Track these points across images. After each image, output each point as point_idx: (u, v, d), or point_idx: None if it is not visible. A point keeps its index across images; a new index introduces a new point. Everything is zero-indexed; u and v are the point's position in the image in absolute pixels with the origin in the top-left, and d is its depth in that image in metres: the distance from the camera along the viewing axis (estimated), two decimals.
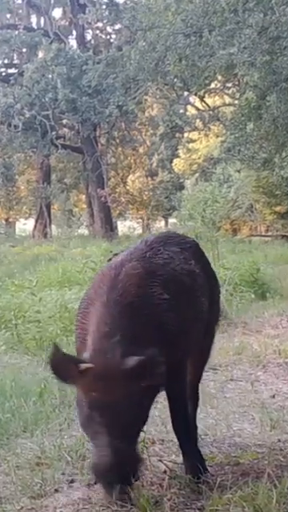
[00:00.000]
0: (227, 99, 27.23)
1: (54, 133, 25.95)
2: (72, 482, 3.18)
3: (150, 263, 3.05)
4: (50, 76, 24.58)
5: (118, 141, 29.29)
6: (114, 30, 28.01)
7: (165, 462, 3.27)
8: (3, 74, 28.23)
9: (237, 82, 22.76)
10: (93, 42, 28.46)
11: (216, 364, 5.34)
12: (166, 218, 34.31)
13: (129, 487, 2.73)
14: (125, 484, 2.70)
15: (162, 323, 2.91)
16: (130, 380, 2.65)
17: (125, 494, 2.72)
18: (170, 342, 2.85)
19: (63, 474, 3.26)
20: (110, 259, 3.32)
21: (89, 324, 2.88)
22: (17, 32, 26.68)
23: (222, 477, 3.08)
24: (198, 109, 27.59)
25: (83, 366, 2.66)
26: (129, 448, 2.73)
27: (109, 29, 28.32)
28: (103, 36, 28.70)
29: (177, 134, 29.38)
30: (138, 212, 33.27)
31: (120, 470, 2.65)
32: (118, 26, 26.87)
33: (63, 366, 2.69)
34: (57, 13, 29.65)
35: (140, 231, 31.37)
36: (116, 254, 3.30)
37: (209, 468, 3.21)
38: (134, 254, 3.08)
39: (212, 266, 3.60)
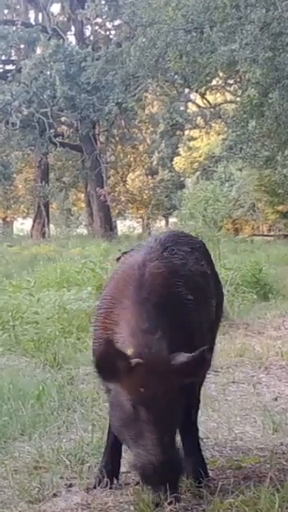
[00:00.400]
0: (229, 96, 27.23)
1: (52, 130, 25.93)
2: (71, 486, 3.18)
3: (170, 263, 3.08)
4: (49, 73, 24.57)
5: (117, 139, 29.28)
6: (113, 25, 28.02)
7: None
8: (0, 70, 28.24)
9: (238, 79, 22.76)
10: (92, 38, 28.44)
11: (217, 366, 5.33)
12: (166, 217, 34.32)
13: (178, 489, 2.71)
14: (174, 485, 2.68)
15: (186, 323, 2.97)
16: (178, 376, 2.70)
17: (176, 495, 2.69)
18: (189, 343, 2.89)
19: (62, 478, 3.26)
20: (119, 258, 3.31)
21: (116, 323, 2.87)
22: (14, 28, 26.68)
23: (223, 481, 3.08)
24: (198, 106, 27.60)
25: (134, 360, 2.66)
26: (174, 445, 2.74)
27: (108, 25, 28.35)
28: (102, 32, 28.70)
29: (177, 132, 29.40)
30: (137, 211, 33.28)
31: (171, 469, 2.64)
32: (117, 22, 26.88)
33: (112, 362, 2.67)
34: (55, 8, 29.68)
35: (140, 231, 31.38)
36: (125, 253, 3.29)
37: (210, 472, 3.20)
38: (153, 254, 3.09)
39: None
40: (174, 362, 2.70)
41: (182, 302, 2.99)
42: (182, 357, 2.71)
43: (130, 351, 2.71)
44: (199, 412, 3.45)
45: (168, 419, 2.69)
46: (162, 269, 3.02)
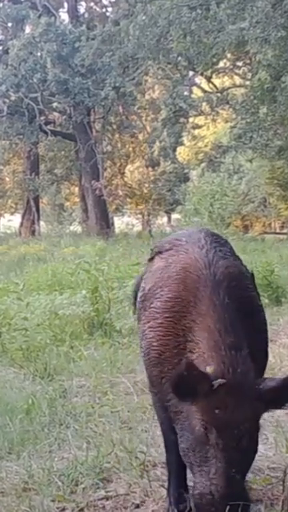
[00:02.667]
0: (237, 80, 27.24)
1: (42, 118, 25.94)
2: (63, 509, 3.18)
3: (231, 263, 3.04)
4: (39, 54, 24.59)
5: (114, 127, 29.28)
6: (110, 1, 28.03)
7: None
8: None
9: (248, 61, 22.79)
10: (86, 15, 28.47)
11: None
12: (168, 213, 34.31)
13: None
14: None
15: (262, 332, 2.98)
16: (262, 404, 2.68)
17: None
18: (264, 357, 2.93)
19: (53, 500, 3.25)
20: (153, 258, 3.26)
21: (191, 330, 2.82)
22: (1, 4, 26.70)
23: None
24: (204, 91, 27.60)
25: (217, 382, 2.62)
26: (242, 481, 2.67)
27: (104, 1, 28.36)
28: (98, 9, 28.71)
29: (181, 119, 29.37)
30: (137, 207, 33.27)
31: (227, 504, 2.56)
32: None
33: (193, 384, 2.62)
34: None
35: (139, 228, 31.39)
36: (160, 252, 3.23)
37: None
38: (210, 253, 3.01)
39: None
40: (261, 387, 2.66)
41: (257, 308, 3.00)
42: (273, 381, 2.69)
43: (210, 369, 2.67)
44: None
45: (240, 450, 2.64)
46: (231, 269, 2.97)
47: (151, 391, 3.10)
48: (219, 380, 2.62)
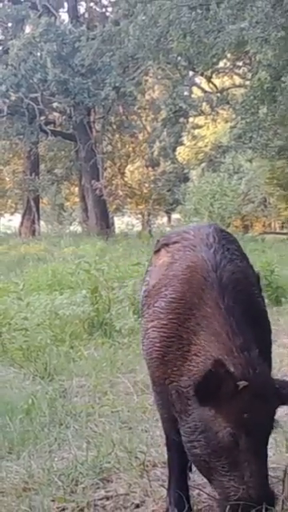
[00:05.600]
0: (237, 80, 27.24)
1: (42, 117, 25.94)
2: (63, 509, 3.18)
3: (238, 266, 3.01)
4: (39, 54, 24.57)
5: (114, 127, 29.28)
6: (110, 2, 28.02)
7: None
8: None
9: (248, 61, 22.79)
10: (86, 15, 28.46)
11: None
12: (168, 213, 34.33)
13: None
14: None
15: (267, 337, 2.99)
16: (279, 399, 2.69)
17: None
18: (268, 363, 2.91)
19: (53, 500, 3.25)
20: (159, 250, 3.21)
21: (195, 333, 2.79)
22: (1, 4, 26.69)
23: None
24: (204, 91, 27.61)
25: (241, 383, 2.59)
26: (269, 482, 2.68)
27: (104, 1, 28.35)
28: (98, 9, 28.70)
29: (181, 119, 29.36)
30: (137, 207, 33.27)
31: (267, 506, 2.56)
32: None
33: (217, 384, 2.58)
34: None
35: (139, 228, 31.39)
36: (166, 245, 3.17)
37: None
38: (218, 254, 2.97)
39: None
40: (284, 391, 2.67)
41: (262, 313, 2.98)
42: None
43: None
44: None
45: (266, 450, 2.67)
46: (237, 273, 2.94)
47: (153, 390, 3.06)
48: (243, 382, 2.59)
